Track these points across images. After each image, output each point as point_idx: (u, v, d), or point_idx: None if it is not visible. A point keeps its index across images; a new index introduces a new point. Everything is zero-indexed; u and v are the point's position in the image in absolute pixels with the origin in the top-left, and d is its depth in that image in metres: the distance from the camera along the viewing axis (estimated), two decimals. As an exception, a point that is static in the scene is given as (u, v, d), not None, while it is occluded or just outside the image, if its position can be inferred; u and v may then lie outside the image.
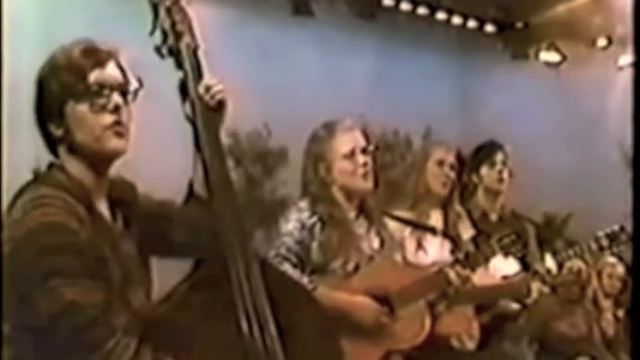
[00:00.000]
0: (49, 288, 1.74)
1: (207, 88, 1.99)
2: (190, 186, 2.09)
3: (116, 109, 1.90)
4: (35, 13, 5.10)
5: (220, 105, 2.02)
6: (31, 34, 4.77)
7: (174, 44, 1.97)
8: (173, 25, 1.96)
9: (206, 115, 1.99)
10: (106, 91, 1.90)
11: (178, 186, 2.15)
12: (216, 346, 1.83)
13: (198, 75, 2.00)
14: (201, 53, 2.00)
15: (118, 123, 1.90)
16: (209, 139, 1.98)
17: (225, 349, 1.84)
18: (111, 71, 1.92)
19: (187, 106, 2.02)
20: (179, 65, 1.98)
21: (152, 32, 1.97)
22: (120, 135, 1.91)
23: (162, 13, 1.97)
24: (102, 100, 1.89)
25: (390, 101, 6.68)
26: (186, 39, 1.97)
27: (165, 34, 1.97)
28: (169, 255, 2.16)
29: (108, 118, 1.89)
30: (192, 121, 2.01)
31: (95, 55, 1.91)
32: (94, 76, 1.90)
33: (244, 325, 1.85)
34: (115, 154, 1.94)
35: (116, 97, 1.90)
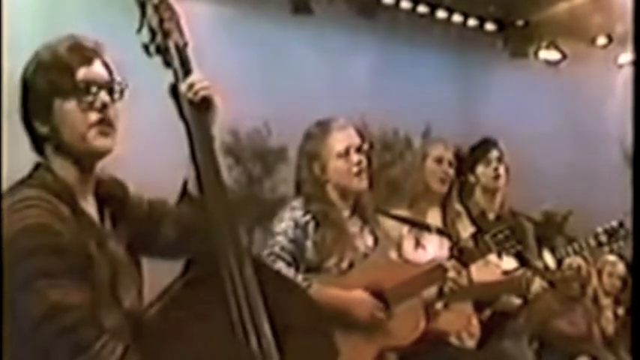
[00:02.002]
0: (34, 290, 1.73)
1: (191, 86, 1.96)
2: (184, 185, 2.08)
3: (103, 108, 1.88)
4: (35, 13, 5.11)
5: (206, 102, 1.98)
6: (32, 32, 4.77)
7: (162, 42, 1.95)
8: (161, 22, 1.94)
9: (195, 114, 1.97)
10: (94, 89, 1.88)
11: (171, 185, 2.14)
12: (209, 346, 1.83)
13: (187, 73, 1.98)
14: (189, 51, 1.98)
15: (104, 121, 1.88)
16: (199, 138, 1.97)
17: (219, 349, 1.84)
18: (97, 69, 1.91)
19: (181, 104, 2.00)
20: (167, 63, 1.96)
21: (139, 30, 1.96)
22: (106, 134, 1.89)
23: (149, 10, 1.95)
24: (89, 98, 1.88)
25: (390, 100, 6.68)
26: (174, 37, 1.95)
27: (152, 32, 1.95)
28: (160, 255, 2.14)
29: (94, 116, 1.88)
30: (185, 120, 1.99)
31: (82, 52, 1.89)
32: (81, 74, 1.88)
33: (237, 325, 1.84)
34: (101, 154, 1.92)
35: (103, 95, 1.89)
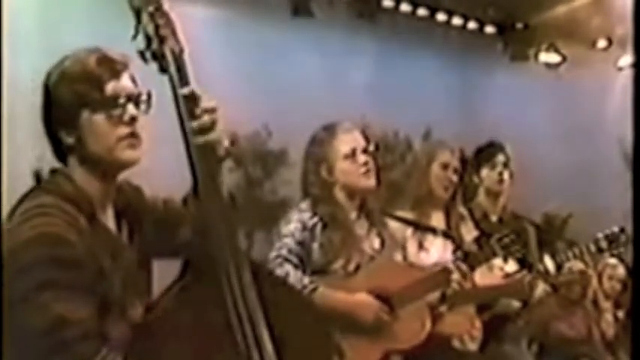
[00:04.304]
0: (39, 301, 1.72)
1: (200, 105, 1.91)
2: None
3: (132, 121, 1.90)
4: (35, 15, 5.10)
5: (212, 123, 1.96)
6: (31, 35, 4.77)
7: (158, 49, 1.94)
8: (156, 29, 1.93)
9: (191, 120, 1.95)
10: (122, 102, 1.89)
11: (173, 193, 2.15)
12: (207, 351, 1.82)
13: (183, 79, 1.97)
14: (187, 56, 1.98)
15: (132, 134, 1.90)
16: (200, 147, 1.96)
17: (217, 355, 1.83)
18: (125, 82, 1.92)
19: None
20: (163, 70, 1.95)
21: (134, 37, 1.95)
22: (133, 146, 1.90)
23: (144, 17, 1.94)
24: (118, 111, 1.89)
25: (390, 102, 6.68)
26: (170, 43, 1.94)
27: (148, 39, 1.94)
28: (178, 255, 2.11)
29: (123, 130, 1.89)
30: (181, 122, 1.98)
31: (110, 65, 1.91)
32: (110, 87, 1.89)
33: (236, 330, 1.83)
34: (127, 165, 1.93)
35: (131, 108, 1.90)
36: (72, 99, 1.88)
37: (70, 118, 1.88)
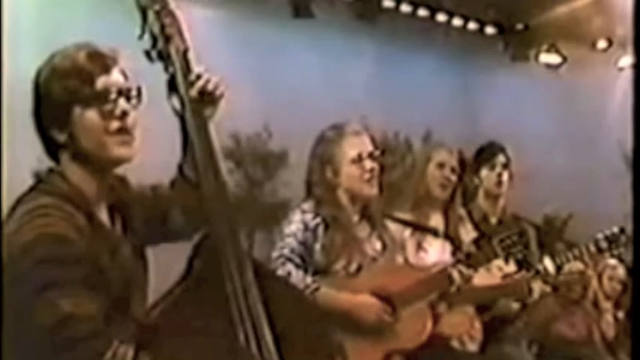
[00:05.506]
0: (46, 300, 1.72)
1: (203, 79, 1.98)
2: (180, 169, 2.09)
3: (123, 115, 1.88)
4: (35, 14, 5.11)
5: (214, 97, 2.01)
6: (31, 34, 4.78)
7: (164, 48, 1.95)
8: (162, 28, 1.94)
9: (195, 109, 1.97)
10: (113, 97, 1.88)
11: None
12: (209, 350, 1.82)
13: (188, 77, 1.98)
14: (190, 56, 1.98)
15: (124, 129, 1.88)
16: (199, 135, 1.96)
17: (219, 354, 1.83)
18: (116, 77, 1.90)
19: (175, 100, 1.99)
20: (168, 69, 1.97)
21: (141, 36, 1.95)
22: (126, 143, 1.89)
23: (151, 16, 1.95)
24: (109, 106, 1.87)
25: (390, 103, 6.69)
26: (175, 42, 1.95)
27: (154, 38, 1.95)
28: (173, 239, 2.15)
29: (115, 124, 1.87)
30: (181, 116, 1.98)
31: (100, 60, 1.89)
32: (101, 82, 1.87)
33: (238, 329, 1.83)
34: (120, 162, 1.92)
35: (123, 103, 1.88)
36: (63, 95, 1.86)
37: (62, 114, 1.86)
